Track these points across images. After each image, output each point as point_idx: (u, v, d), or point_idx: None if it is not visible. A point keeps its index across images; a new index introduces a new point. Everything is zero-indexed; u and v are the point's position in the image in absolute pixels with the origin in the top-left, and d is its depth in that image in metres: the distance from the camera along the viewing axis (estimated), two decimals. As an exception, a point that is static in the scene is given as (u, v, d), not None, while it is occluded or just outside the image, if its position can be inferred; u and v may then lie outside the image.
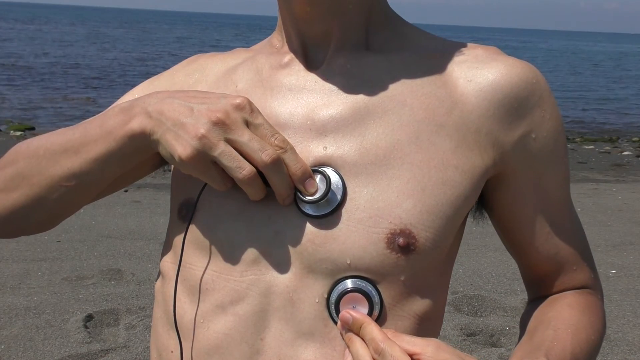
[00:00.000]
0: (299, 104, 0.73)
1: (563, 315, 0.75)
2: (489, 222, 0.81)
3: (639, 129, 13.00)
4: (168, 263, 0.77)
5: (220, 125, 0.65)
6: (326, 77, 0.73)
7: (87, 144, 0.71)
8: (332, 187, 0.68)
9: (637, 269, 4.23)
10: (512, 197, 0.75)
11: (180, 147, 0.65)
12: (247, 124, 0.66)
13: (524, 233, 0.77)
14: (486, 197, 0.76)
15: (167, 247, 0.78)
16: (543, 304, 0.79)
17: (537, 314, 0.78)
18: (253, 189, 0.67)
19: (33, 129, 9.73)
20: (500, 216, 0.78)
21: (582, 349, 0.71)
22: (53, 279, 3.67)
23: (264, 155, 0.65)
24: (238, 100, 0.67)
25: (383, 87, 0.72)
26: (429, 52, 0.75)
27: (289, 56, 0.76)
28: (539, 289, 0.83)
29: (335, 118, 0.71)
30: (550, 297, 0.80)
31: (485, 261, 4.20)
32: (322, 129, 0.71)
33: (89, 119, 0.75)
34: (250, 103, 0.67)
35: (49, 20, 60.15)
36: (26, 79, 15.44)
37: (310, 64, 0.75)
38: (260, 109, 0.71)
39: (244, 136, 0.65)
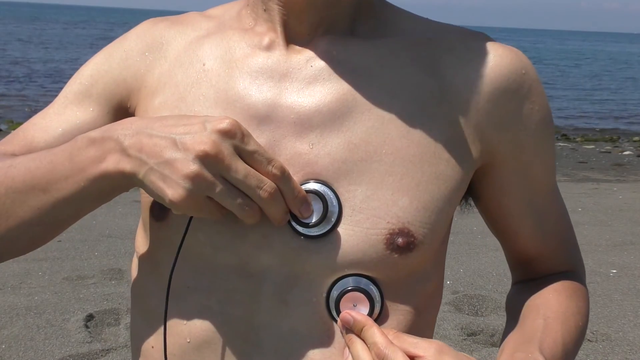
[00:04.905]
0: (281, 94, 0.67)
1: (551, 302, 0.75)
2: (476, 210, 0.80)
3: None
4: (145, 262, 0.74)
5: (211, 159, 0.58)
6: (310, 63, 0.68)
7: (57, 182, 0.63)
8: (329, 209, 0.64)
9: (638, 269, 4.22)
10: (500, 186, 0.74)
11: (170, 190, 0.59)
12: (239, 150, 0.60)
13: (511, 220, 0.77)
14: (473, 186, 0.74)
15: (143, 246, 0.74)
16: (530, 289, 0.79)
17: (524, 299, 0.78)
18: (251, 219, 0.63)
19: (34, 128, 9.72)
20: (488, 204, 0.77)
21: (571, 337, 0.72)
22: (54, 279, 3.66)
23: (262, 192, 0.60)
24: (225, 125, 0.59)
25: (371, 76, 0.68)
26: (417, 38, 0.71)
27: (268, 38, 0.70)
28: (525, 272, 0.83)
29: (321, 111, 0.66)
30: (537, 282, 0.80)
31: (486, 261, 4.19)
32: (307, 124, 0.66)
33: (54, 148, 0.66)
34: (239, 126, 0.60)
35: (49, 20, 60.14)
36: (28, 79, 15.45)
37: (293, 48, 0.69)
38: (234, 96, 0.67)
39: (238, 172, 0.59)
